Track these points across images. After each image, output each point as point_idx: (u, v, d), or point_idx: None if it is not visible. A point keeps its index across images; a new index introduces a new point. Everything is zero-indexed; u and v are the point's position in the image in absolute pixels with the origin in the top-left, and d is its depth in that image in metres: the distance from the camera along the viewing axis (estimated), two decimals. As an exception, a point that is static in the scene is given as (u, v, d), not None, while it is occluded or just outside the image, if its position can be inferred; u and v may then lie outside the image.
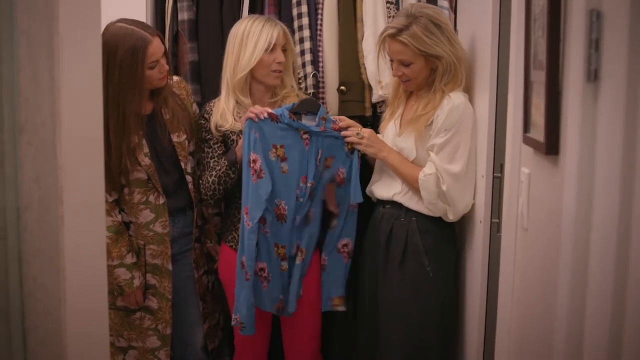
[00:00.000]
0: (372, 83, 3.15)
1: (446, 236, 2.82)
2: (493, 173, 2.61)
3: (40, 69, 1.38)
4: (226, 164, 2.84)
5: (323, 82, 3.22)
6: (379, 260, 2.85)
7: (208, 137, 2.92)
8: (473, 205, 2.74)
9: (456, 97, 2.66)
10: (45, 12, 1.38)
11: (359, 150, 2.83)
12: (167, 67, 2.79)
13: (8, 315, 1.42)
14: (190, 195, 2.94)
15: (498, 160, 2.58)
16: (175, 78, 3.01)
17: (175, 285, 2.94)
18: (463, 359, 2.89)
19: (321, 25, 3.22)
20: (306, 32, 3.21)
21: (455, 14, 2.99)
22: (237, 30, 2.89)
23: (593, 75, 1.37)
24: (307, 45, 3.20)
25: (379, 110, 3.22)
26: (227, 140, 2.92)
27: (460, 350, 2.92)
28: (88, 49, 1.51)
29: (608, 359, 1.34)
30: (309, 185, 2.80)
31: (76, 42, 1.45)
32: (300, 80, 3.21)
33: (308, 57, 3.19)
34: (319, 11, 3.23)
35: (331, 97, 3.23)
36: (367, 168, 2.96)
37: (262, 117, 2.73)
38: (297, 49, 3.20)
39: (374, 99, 3.18)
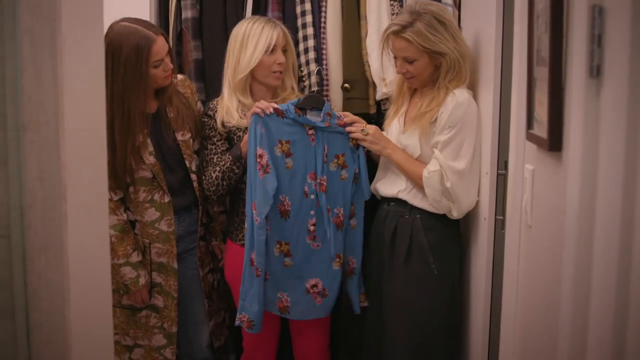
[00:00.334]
0: (376, 80, 3.15)
1: (451, 233, 2.82)
2: (497, 170, 2.61)
3: (43, 67, 1.38)
4: (230, 159, 2.85)
5: (327, 80, 3.22)
6: (384, 258, 2.85)
7: (211, 134, 2.93)
8: (477, 203, 2.73)
9: (460, 94, 2.66)
10: (48, 11, 1.38)
11: (364, 146, 2.84)
12: (171, 65, 2.80)
13: (12, 313, 1.42)
14: (196, 194, 2.95)
15: (502, 157, 2.57)
16: (179, 76, 3.01)
17: (181, 284, 2.94)
18: (468, 356, 2.89)
19: (325, 22, 3.22)
20: (310, 30, 3.20)
21: (459, 10, 2.99)
22: (238, 32, 2.91)
23: (595, 71, 1.37)
24: (310, 43, 3.20)
25: (383, 108, 3.22)
26: (232, 137, 2.92)
27: (465, 347, 2.92)
28: (91, 47, 1.51)
29: (612, 354, 1.33)
30: (318, 181, 2.79)
31: (79, 41, 1.45)
32: (304, 78, 3.21)
33: (312, 55, 3.19)
34: (323, 9, 3.23)
35: (335, 95, 3.23)
36: (371, 165, 2.96)
37: (268, 112, 2.73)
38: (301, 46, 3.20)
39: (378, 96, 3.18)
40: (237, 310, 2.82)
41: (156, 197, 2.84)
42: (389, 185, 2.85)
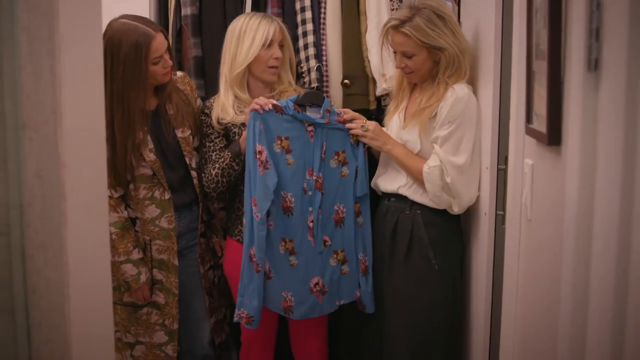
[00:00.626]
0: (376, 76, 3.15)
1: (451, 229, 2.82)
2: (498, 165, 2.61)
3: (41, 65, 1.38)
4: (230, 155, 2.85)
5: (327, 76, 3.22)
6: (384, 254, 2.85)
7: (209, 132, 2.93)
8: (478, 198, 2.73)
9: (460, 89, 2.65)
10: (46, 9, 1.38)
11: (364, 143, 2.83)
12: (170, 62, 2.80)
13: (12, 311, 1.42)
14: (196, 191, 2.95)
15: (503, 152, 2.57)
16: (179, 73, 3.02)
17: (182, 281, 2.95)
18: (469, 352, 2.89)
19: (324, 18, 3.22)
20: (309, 26, 3.20)
21: (458, 5, 2.99)
22: (235, 27, 2.91)
23: (594, 64, 1.37)
24: (310, 39, 3.20)
25: (383, 104, 3.22)
26: (228, 134, 2.92)
27: (466, 343, 2.93)
28: (89, 45, 1.51)
29: (611, 350, 1.33)
30: (314, 177, 2.79)
31: (77, 39, 1.45)
32: (303, 75, 3.21)
33: (311, 50, 3.19)
34: (322, 5, 3.23)
35: (335, 91, 3.23)
36: (372, 161, 2.96)
37: (266, 108, 2.73)
38: (300, 43, 3.20)
39: (378, 92, 3.18)
40: (236, 306, 2.82)
41: (156, 194, 2.84)
42: (390, 181, 2.85)
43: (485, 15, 2.65)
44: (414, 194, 2.77)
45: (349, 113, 2.85)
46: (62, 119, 1.40)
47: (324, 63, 3.21)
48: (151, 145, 2.81)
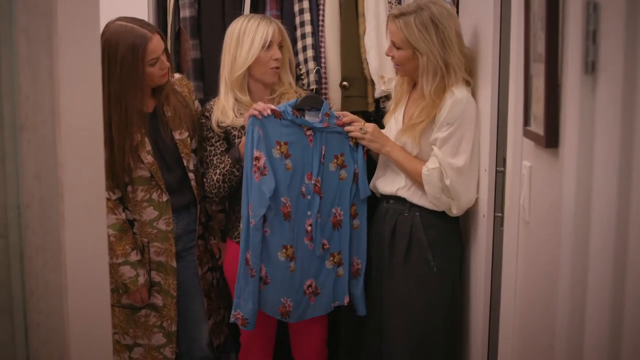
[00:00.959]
0: (375, 78, 3.15)
1: (450, 231, 2.82)
2: (496, 167, 2.61)
3: (39, 67, 1.39)
4: (230, 161, 2.85)
5: (325, 78, 3.22)
6: (383, 256, 2.85)
7: (210, 135, 2.93)
8: (477, 200, 2.73)
9: (459, 91, 2.65)
10: (44, 10, 1.38)
11: (363, 145, 2.84)
12: (167, 64, 2.80)
13: (10, 313, 1.43)
14: (194, 192, 2.95)
15: (501, 155, 2.57)
16: (176, 75, 3.02)
17: (180, 282, 2.95)
18: (468, 353, 2.89)
19: (323, 21, 3.22)
20: (308, 28, 3.21)
21: (457, 7, 2.99)
22: (233, 29, 2.91)
23: (590, 67, 1.38)
24: (309, 41, 3.20)
25: (381, 106, 3.22)
26: (229, 137, 2.92)
27: (465, 345, 2.93)
28: (87, 46, 1.51)
29: (608, 351, 1.34)
30: (313, 181, 2.79)
31: (75, 40, 1.45)
32: (302, 77, 3.21)
33: (310, 53, 3.19)
34: (321, 7, 3.23)
35: (334, 93, 3.23)
36: (371, 163, 2.96)
37: (265, 114, 2.73)
38: (299, 45, 3.21)
39: (377, 94, 3.18)
40: (232, 307, 2.82)
41: (154, 196, 2.84)
42: (388, 183, 2.86)
43: (483, 17, 2.65)
44: (413, 196, 2.78)
45: (348, 116, 2.85)
46: (61, 120, 1.41)
47: (322, 65, 3.21)
48: (149, 147, 2.81)
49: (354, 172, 2.86)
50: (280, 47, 2.93)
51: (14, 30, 1.36)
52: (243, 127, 2.83)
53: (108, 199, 2.75)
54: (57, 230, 1.43)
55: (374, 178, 2.95)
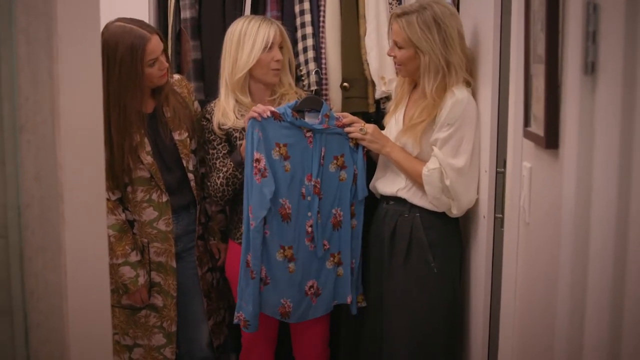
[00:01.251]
0: (375, 79, 3.15)
1: (451, 232, 2.82)
2: (496, 168, 2.61)
3: (39, 68, 1.38)
4: (232, 165, 2.85)
5: (326, 79, 3.22)
6: (383, 257, 2.85)
7: (211, 137, 2.93)
8: (477, 201, 2.73)
9: (459, 92, 2.65)
10: (44, 11, 1.38)
11: (363, 146, 2.84)
12: (166, 64, 2.80)
13: (10, 313, 1.42)
14: (193, 193, 2.95)
15: (501, 156, 2.57)
16: (176, 76, 3.02)
17: (180, 283, 2.95)
18: (468, 354, 2.89)
19: (323, 22, 3.22)
20: (308, 29, 3.21)
21: (457, 7, 2.99)
22: (234, 31, 2.90)
23: (590, 67, 1.38)
24: (309, 42, 3.20)
25: (382, 107, 3.22)
26: (230, 139, 2.92)
27: (465, 345, 2.92)
28: (87, 47, 1.51)
29: (608, 351, 1.34)
30: (312, 183, 2.79)
31: (75, 41, 1.45)
32: (303, 78, 3.21)
33: (311, 54, 3.19)
34: (321, 8, 3.23)
35: (334, 94, 3.23)
36: (371, 163, 2.96)
37: (265, 115, 2.73)
38: (300, 46, 3.21)
39: (377, 95, 3.18)
40: (235, 309, 2.83)
41: (154, 196, 2.84)
42: (389, 184, 2.86)
43: (484, 17, 2.65)
44: (413, 197, 2.78)
45: (348, 117, 2.85)
46: (60, 121, 1.41)
47: (323, 66, 3.21)
48: (148, 148, 2.81)
49: (354, 173, 2.86)
50: (281, 48, 2.94)
51: (13, 31, 1.36)
52: (244, 129, 2.83)
53: (108, 200, 2.75)
54: (57, 231, 1.43)
55: (374, 179, 2.95)
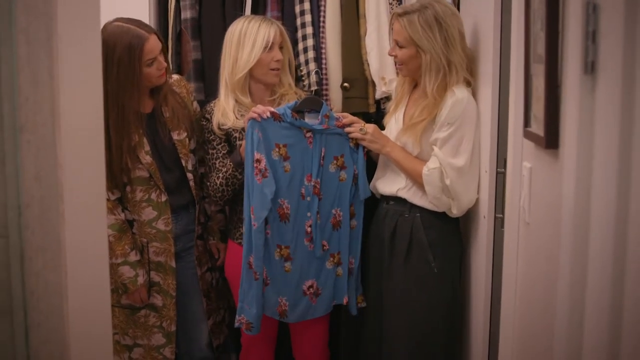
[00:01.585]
0: (376, 79, 3.15)
1: (451, 232, 2.82)
2: (497, 168, 2.61)
3: (39, 68, 1.39)
4: (232, 165, 2.85)
5: (326, 79, 3.23)
6: (383, 257, 2.85)
7: (211, 137, 2.93)
8: (477, 201, 2.73)
9: (459, 91, 2.65)
10: (44, 11, 1.38)
11: (363, 146, 2.84)
12: (165, 64, 2.80)
13: (11, 313, 1.43)
14: (192, 193, 2.95)
15: (502, 156, 2.57)
16: (175, 76, 3.03)
17: (180, 283, 2.95)
18: (468, 354, 2.89)
19: (324, 22, 3.22)
20: (309, 29, 3.21)
21: (457, 7, 2.99)
22: (234, 31, 2.90)
23: (590, 67, 1.38)
24: (310, 42, 3.20)
25: (382, 107, 3.22)
26: (230, 139, 2.92)
27: (465, 345, 2.93)
28: (87, 47, 1.52)
29: (607, 351, 1.34)
30: (312, 183, 2.80)
31: (75, 41, 1.45)
32: (303, 78, 3.21)
33: (311, 54, 3.19)
34: (322, 8, 3.23)
35: (335, 94, 3.23)
36: (371, 163, 2.96)
37: (264, 116, 2.73)
38: (300, 46, 3.21)
39: (378, 95, 3.18)
40: (237, 312, 2.82)
41: (153, 196, 2.85)
42: (389, 184, 2.86)
43: (484, 17, 2.65)
44: (413, 197, 2.78)
45: (348, 117, 2.85)
46: (60, 121, 1.41)
47: (323, 66, 3.21)
48: (147, 148, 2.82)
49: (354, 173, 2.86)
50: (281, 48, 2.94)
51: (13, 31, 1.36)
52: (244, 129, 2.83)
53: (107, 199, 2.75)
54: (57, 231, 1.44)
55: (374, 179, 2.95)
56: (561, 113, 1.61)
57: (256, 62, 2.86)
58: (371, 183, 2.93)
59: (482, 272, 2.69)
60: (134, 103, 2.75)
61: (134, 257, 2.83)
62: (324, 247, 2.85)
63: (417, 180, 2.73)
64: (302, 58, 3.21)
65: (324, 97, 3.21)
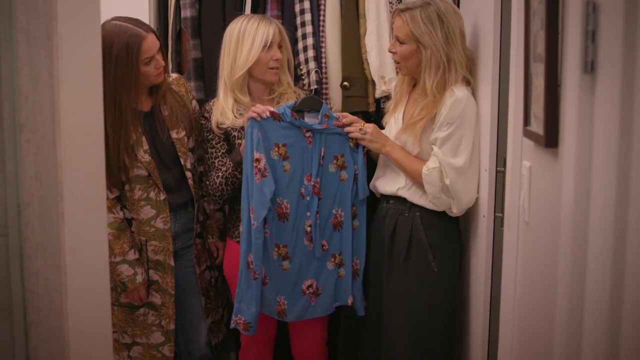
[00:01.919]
0: (375, 78, 3.15)
1: (451, 231, 2.82)
2: (496, 167, 2.61)
3: (39, 67, 1.39)
4: (232, 165, 2.85)
5: (326, 78, 3.22)
6: (383, 256, 2.85)
7: (210, 136, 2.93)
8: (477, 200, 2.73)
9: (459, 91, 2.65)
10: (44, 10, 1.39)
11: (363, 146, 2.84)
12: (163, 62, 2.80)
13: (10, 312, 1.43)
14: (191, 191, 2.95)
15: (501, 155, 2.58)
16: (173, 75, 3.03)
17: (178, 281, 2.96)
18: (468, 354, 2.89)
19: (324, 21, 3.22)
20: (309, 28, 3.21)
21: (458, 6, 2.99)
22: (233, 30, 2.90)
23: (590, 66, 1.38)
24: (309, 41, 3.20)
25: (382, 106, 3.22)
26: (229, 137, 2.92)
27: (465, 345, 2.93)
28: (87, 47, 1.52)
29: (607, 351, 1.34)
30: (312, 183, 2.80)
31: (75, 41, 1.46)
32: (303, 77, 3.21)
33: (311, 53, 3.19)
34: (322, 7, 3.23)
35: (334, 93, 3.23)
36: (371, 163, 2.96)
37: (264, 116, 2.73)
38: (300, 45, 3.21)
39: (377, 94, 3.18)
40: (233, 312, 2.82)
41: (152, 194, 2.85)
42: (388, 183, 2.86)
43: (484, 16, 2.65)
44: (413, 196, 2.78)
45: (347, 117, 2.85)
46: (60, 121, 1.41)
47: (323, 65, 3.21)
48: (146, 147, 2.82)
49: (354, 173, 2.86)
50: (280, 47, 2.93)
51: (13, 31, 1.36)
52: (243, 128, 2.83)
53: (105, 197, 2.75)
54: (56, 230, 1.44)
55: (373, 178, 2.95)
56: (561, 112, 1.61)
57: (255, 61, 2.86)
58: (371, 182, 2.93)
59: (481, 271, 2.69)
60: (131, 101, 2.76)
61: (132, 255, 2.83)
62: (324, 247, 2.85)
63: (416, 180, 2.73)
64: (301, 57, 3.21)
65: (324, 96, 3.21)
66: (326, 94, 3.22)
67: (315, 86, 3.18)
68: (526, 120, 1.91)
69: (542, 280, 1.80)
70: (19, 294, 1.42)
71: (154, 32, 2.79)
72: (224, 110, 2.89)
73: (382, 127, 2.92)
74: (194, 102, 3.08)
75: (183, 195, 2.96)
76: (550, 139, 1.65)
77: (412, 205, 2.78)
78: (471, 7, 2.86)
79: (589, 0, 1.37)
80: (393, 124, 2.86)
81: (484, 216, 2.66)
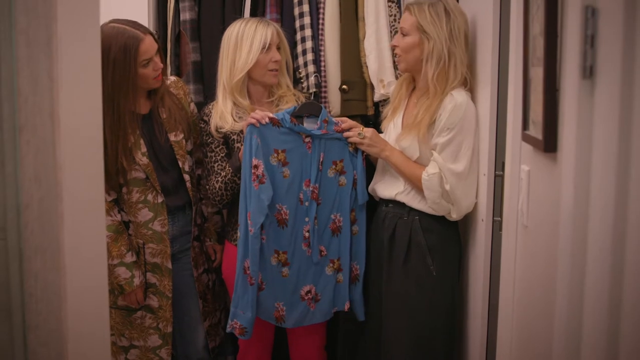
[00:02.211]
0: (374, 82, 3.15)
1: (449, 235, 2.82)
2: (495, 171, 2.61)
3: (39, 69, 1.39)
4: (231, 170, 2.85)
5: (325, 82, 3.22)
6: (382, 259, 2.85)
7: (209, 140, 2.93)
8: (475, 204, 2.73)
9: (459, 96, 2.66)
10: (44, 12, 1.39)
11: (362, 150, 2.84)
12: (161, 65, 2.80)
13: (9, 314, 1.43)
14: (189, 194, 2.95)
15: (500, 159, 2.58)
16: (172, 78, 3.03)
17: (176, 284, 2.95)
18: (467, 357, 2.89)
19: (323, 24, 3.22)
20: (308, 32, 3.21)
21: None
22: (231, 33, 2.90)
23: (589, 71, 1.38)
24: (308, 44, 3.20)
25: (381, 109, 3.22)
26: (228, 141, 2.92)
27: (464, 348, 2.93)
28: (87, 48, 1.52)
29: (606, 352, 1.34)
30: (311, 188, 2.79)
31: (75, 42, 1.46)
32: (302, 80, 3.21)
33: (310, 56, 3.19)
34: (321, 10, 3.23)
35: (333, 97, 3.23)
36: (370, 167, 2.96)
37: (263, 122, 2.73)
38: (299, 48, 3.21)
39: (376, 97, 3.18)
40: (229, 317, 2.82)
41: (149, 197, 2.85)
42: (387, 188, 2.85)
43: (483, 20, 2.66)
44: (412, 201, 2.77)
45: (347, 122, 2.85)
46: (60, 122, 1.41)
47: (322, 68, 3.21)
48: (144, 149, 2.82)
49: (354, 178, 2.86)
50: (278, 49, 2.93)
51: (13, 32, 1.36)
52: (242, 132, 2.83)
53: (104, 200, 2.75)
54: (55, 231, 1.44)
55: (372, 182, 2.95)
56: (560, 116, 1.61)
57: (254, 63, 2.86)
58: (370, 186, 2.93)
59: (480, 275, 2.69)
60: (129, 104, 2.75)
61: (130, 258, 2.83)
62: (322, 253, 2.85)
63: (416, 185, 2.73)
64: (300, 60, 3.21)
65: (323, 100, 3.21)
66: (325, 97, 3.22)
67: (314, 89, 3.18)
68: (525, 125, 1.91)
69: (541, 283, 1.80)
70: (18, 296, 1.42)
71: (151, 34, 2.79)
72: (223, 114, 2.89)
73: (380, 132, 2.92)
74: (192, 105, 3.08)
75: (181, 198, 2.95)
76: (549, 144, 1.65)
77: (411, 209, 2.78)
78: (470, 11, 2.86)
79: (588, 4, 1.37)
80: (392, 129, 2.86)
81: (482, 220, 2.66)
